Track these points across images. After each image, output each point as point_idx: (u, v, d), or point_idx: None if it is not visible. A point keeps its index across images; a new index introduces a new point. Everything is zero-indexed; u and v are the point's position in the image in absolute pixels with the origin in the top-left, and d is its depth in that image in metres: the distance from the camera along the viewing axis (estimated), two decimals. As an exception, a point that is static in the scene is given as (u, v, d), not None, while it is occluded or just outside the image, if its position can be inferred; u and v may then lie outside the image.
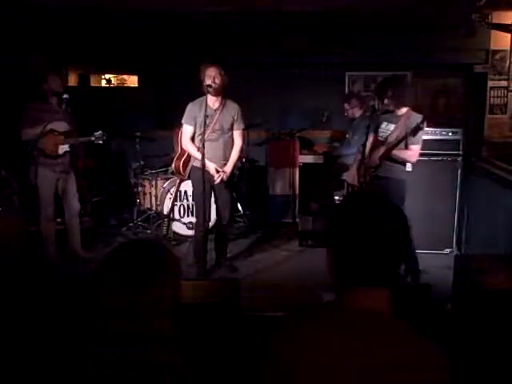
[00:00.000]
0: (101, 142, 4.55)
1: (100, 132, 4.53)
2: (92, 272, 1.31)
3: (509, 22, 5.07)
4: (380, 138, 4.17)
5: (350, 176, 4.34)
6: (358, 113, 5.89)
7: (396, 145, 3.93)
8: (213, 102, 4.16)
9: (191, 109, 4.22)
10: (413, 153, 3.94)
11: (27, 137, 4.31)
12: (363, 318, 1.17)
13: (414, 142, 3.92)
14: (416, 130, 3.81)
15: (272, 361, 1.18)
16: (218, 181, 4.21)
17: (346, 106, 5.91)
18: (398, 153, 3.97)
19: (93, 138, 4.53)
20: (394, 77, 4.26)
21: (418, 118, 3.95)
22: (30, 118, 4.35)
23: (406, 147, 3.92)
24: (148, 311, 1.25)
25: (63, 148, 4.49)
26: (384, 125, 4.16)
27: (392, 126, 4.07)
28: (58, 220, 4.73)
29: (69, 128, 4.53)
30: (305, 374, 1.12)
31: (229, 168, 4.26)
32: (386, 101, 4.07)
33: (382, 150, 4.06)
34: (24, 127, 4.34)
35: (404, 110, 4.06)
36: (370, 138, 4.29)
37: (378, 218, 1.21)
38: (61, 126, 4.46)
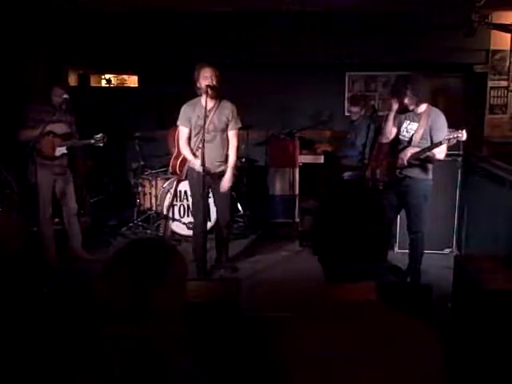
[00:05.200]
0: (101, 144, 4.48)
1: (100, 135, 4.47)
2: (100, 272, 1.31)
3: (509, 22, 5.08)
4: (403, 138, 4.06)
5: (381, 176, 4.25)
6: (360, 113, 5.89)
7: (430, 149, 3.84)
8: (207, 102, 4.06)
9: (185, 110, 4.20)
10: (440, 149, 3.87)
11: (25, 137, 4.31)
12: (352, 310, 1.22)
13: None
14: (453, 139, 3.70)
15: (278, 361, 1.20)
16: (224, 189, 4.22)
17: (357, 109, 5.86)
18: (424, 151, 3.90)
19: (92, 141, 4.47)
20: (408, 76, 4.07)
21: (438, 113, 3.91)
22: (30, 119, 4.35)
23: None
24: (155, 310, 1.25)
25: (60, 150, 4.48)
26: (406, 123, 4.05)
27: (415, 125, 3.97)
28: (56, 220, 4.73)
29: (68, 130, 4.52)
30: (305, 370, 1.16)
31: (228, 175, 4.22)
32: (406, 101, 3.93)
33: (409, 151, 3.93)
34: (23, 128, 4.33)
35: (423, 106, 3.95)
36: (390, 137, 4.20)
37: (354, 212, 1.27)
38: (60, 127, 4.45)
